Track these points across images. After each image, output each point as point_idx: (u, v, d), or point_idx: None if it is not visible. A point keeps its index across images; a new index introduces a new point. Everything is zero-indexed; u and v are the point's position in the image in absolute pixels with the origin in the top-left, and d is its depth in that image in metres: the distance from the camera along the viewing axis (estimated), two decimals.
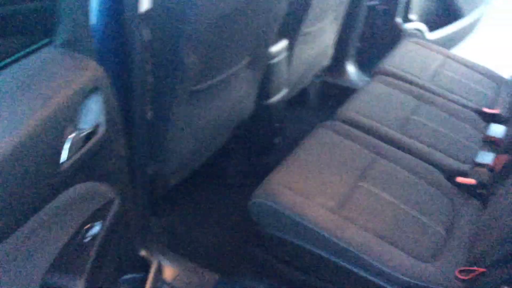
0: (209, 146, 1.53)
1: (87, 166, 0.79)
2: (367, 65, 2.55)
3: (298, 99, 2.21)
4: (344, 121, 1.55)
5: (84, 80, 0.76)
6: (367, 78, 2.50)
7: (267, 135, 1.90)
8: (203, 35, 1.13)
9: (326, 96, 2.48)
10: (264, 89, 1.72)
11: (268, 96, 1.78)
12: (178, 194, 1.60)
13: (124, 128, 0.93)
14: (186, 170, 1.44)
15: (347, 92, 2.46)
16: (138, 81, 0.99)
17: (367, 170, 1.34)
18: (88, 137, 0.79)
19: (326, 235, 1.13)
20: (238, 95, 1.54)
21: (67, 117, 0.72)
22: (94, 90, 0.79)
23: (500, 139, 1.59)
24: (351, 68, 2.48)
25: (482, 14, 2.72)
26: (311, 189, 1.22)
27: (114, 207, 0.82)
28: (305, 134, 2.22)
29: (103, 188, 0.82)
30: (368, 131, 1.52)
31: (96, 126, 0.81)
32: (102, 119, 0.82)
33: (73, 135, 0.73)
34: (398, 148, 1.48)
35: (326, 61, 2.24)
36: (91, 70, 0.79)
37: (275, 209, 1.17)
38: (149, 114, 1.13)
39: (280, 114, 1.90)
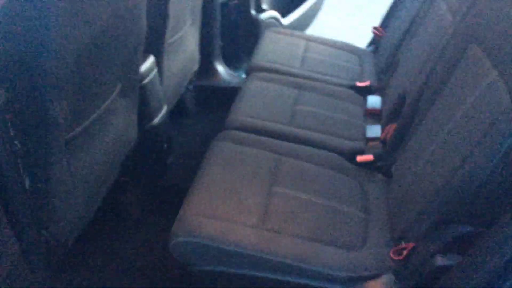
0: (101, 190, 1.36)
1: None
2: (235, 61, 2.54)
3: (176, 111, 2.12)
4: (237, 128, 1.50)
5: None
6: (236, 74, 2.50)
7: (159, 158, 1.78)
8: (68, 76, 0.97)
9: (203, 101, 2.41)
10: (144, 112, 1.59)
11: (150, 119, 1.65)
12: (83, 247, 1.42)
13: (3, 211, 0.75)
14: (82, 222, 1.27)
15: (221, 92, 2.44)
16: (3, 152, 0.81)
17: (275, 173, 1.31)
18: None
19: (258, 254, 1.07)
20: (119, 127, 1.39)
21: None
22: None
23: (379, 109, 1.69)
24: (220, 68, 2.44)
25: None
26: (229, 211, 1.15)
27: None
28: (194, 146, 2.14)
29: None
30: (262, 132, 1.50)
31: None
32: None
33: None
34: (295, 142, 1.48)
35: (195, 66, 2.17)
36: None
37: (199, 243, 1.07)
38: (27, 183, 0.94)
39: (166, 133, 1.78)
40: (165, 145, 1.80)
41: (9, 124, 0.85)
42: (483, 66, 1.04)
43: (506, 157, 0.83)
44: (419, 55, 1.50)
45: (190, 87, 2.30)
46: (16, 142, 0.88)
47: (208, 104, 2.42)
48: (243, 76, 2.59)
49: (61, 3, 0.88)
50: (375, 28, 2.27)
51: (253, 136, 1.45)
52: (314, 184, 1.29)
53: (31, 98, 0.90)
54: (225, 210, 1.15)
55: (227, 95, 2.43)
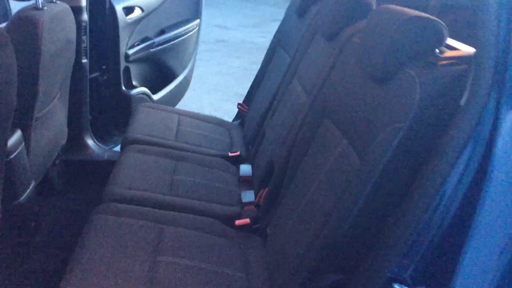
0: None
1: None
2: (105, 135, 2.52)
3: (43, 188, 2.00)
4: (116, 200, 1.49)
5: None
6: (107, 148, 2.47)
7: (25, 236, 1.64)
8: None
9: (71, 175, 2.32)
10: (9, 189, 1.49)
11: (16, 196, 1.55)
12: None
13: None
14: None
15: (91, 166, 2.38)
16: None
17: (158, 243, 1.32)
18: None
19: None
20: None
21: None
22: None
23: (251, 176, 1.83)
24: (89, 142, 2.39)
25: (192, 71, 3.08)
26: (113, 287, 1.12)
27: None
28: (64, 224, 2.02)
29: None
30: (143, 203, 1.51)
31: None
32: None
33: None
34: (175, 210, 1.52)
35: (63, 140, 2.11)
36: None
37: None
38: None
39: (33, 210, 1.67)
40: (32, 224, 1.68)
41: None
42: (335, 136, 1.25)
43: (362, 212, 0.99)
44: (281, 128, 1.71)
45: (57, 161, 2.21)
46: None
47: (77, 179, 2.33)
48: (114, 149, 2.57)
49: None
50: (240, 104, 2.50)
51: (133, 207, 1.46)
52: (197, 251, 1.33)
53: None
54: (109, 286, 1.12)
55: (97, 169, 2.38)
